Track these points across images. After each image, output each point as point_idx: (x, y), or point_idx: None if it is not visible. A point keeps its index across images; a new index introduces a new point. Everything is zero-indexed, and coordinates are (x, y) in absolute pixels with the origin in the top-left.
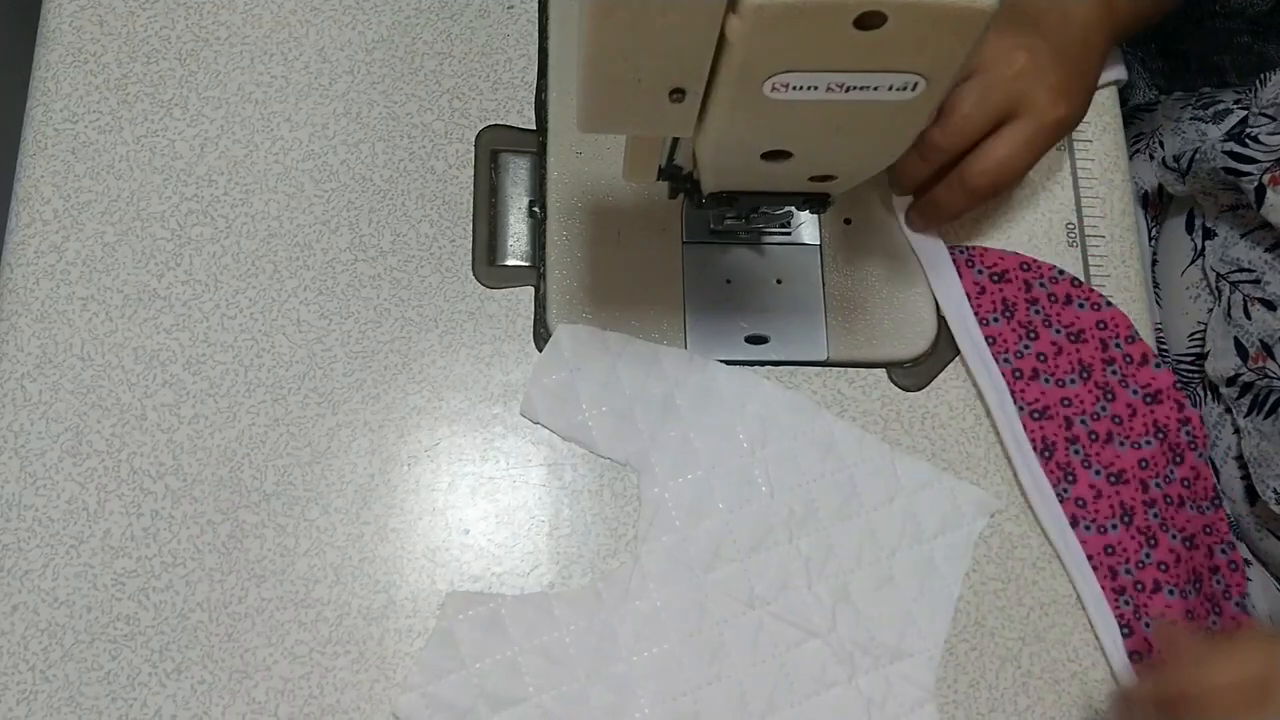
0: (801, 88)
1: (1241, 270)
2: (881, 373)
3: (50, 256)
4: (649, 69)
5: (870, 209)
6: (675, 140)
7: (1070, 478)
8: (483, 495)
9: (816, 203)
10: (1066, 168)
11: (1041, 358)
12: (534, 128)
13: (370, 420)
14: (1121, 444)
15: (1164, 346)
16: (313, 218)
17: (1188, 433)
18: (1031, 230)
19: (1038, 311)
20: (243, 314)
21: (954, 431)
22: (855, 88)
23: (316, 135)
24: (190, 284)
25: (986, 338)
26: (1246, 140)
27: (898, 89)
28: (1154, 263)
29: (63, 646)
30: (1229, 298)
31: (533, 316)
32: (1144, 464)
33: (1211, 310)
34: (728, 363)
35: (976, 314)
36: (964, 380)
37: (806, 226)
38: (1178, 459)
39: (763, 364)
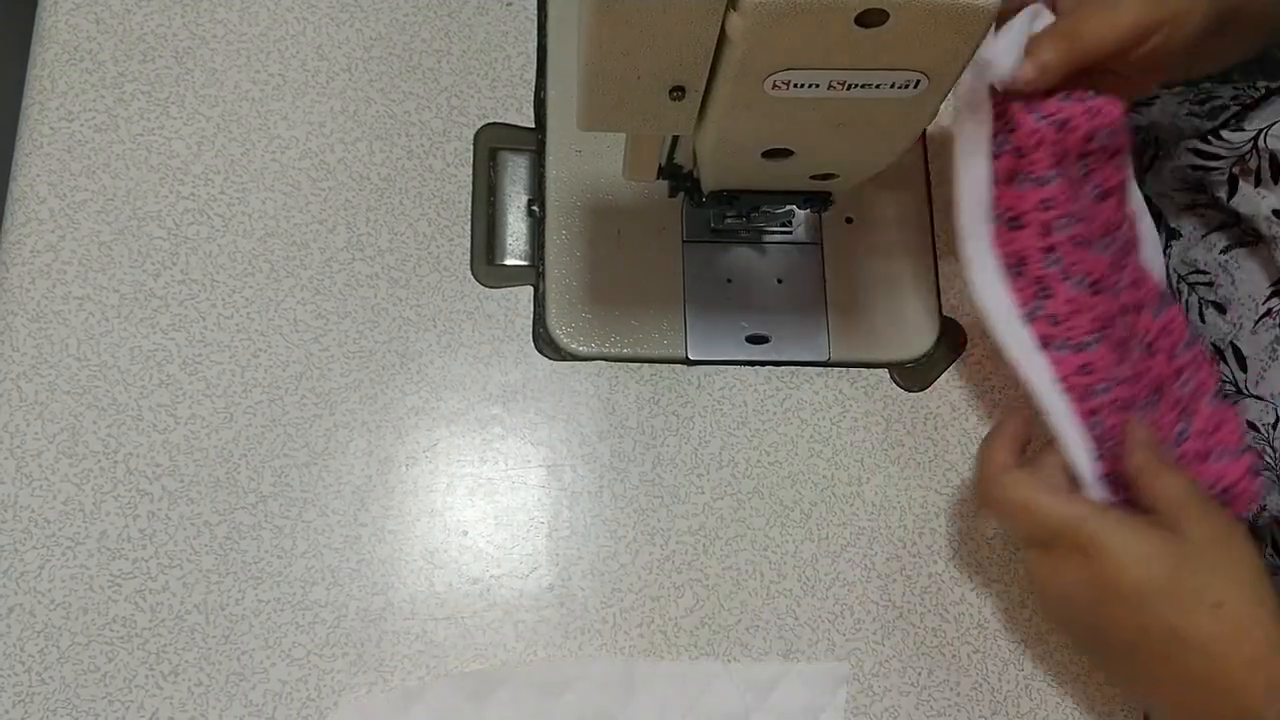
0: (802, 85)
1: (1197, 272)
2: (883, 373)
3: (46, 256)
4: (649, 67)
5: (872, 207)
6: (675, 139)
7: (1045, 293)
8: (481, 496)
9: (818, 201)
10: None
11: (1020, 153)
12: (533, 126)
13: (368, 421)
14: (1097, 247)
15: None
16: (310, 217)
17: (1127, 232)
18: None
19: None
20: (239, 314)
21: (956, 432)
22: (857, 86)
23: (314, 133)
24: (187, 283)
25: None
26: (1210, 138)
27: (900, 87)
28: None
29: (59, 648)
30: (1186, 300)
31: (532, 316)
32: (1113, 268)
33: None
34: (728, 363)
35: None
36: (967, 380)
37: (807, 225)
38: (1123, 262)
39: (763, 364)
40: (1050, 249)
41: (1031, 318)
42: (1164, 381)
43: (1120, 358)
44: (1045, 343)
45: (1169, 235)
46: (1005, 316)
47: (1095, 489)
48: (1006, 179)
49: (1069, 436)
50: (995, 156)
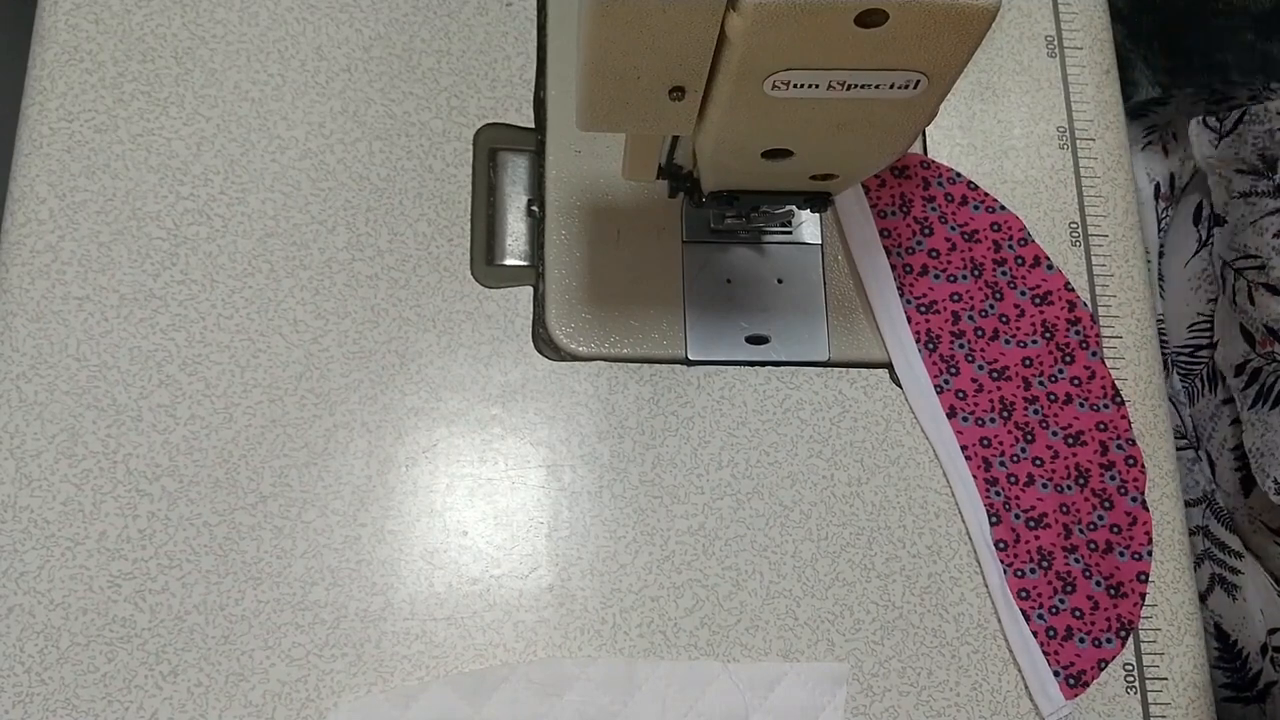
0: (802, 86)
1: (1248, 256)
2: (883, 373)
3: (45, 256)
4: (649, 67)
5: None
6: (675, 139)
7: (952, 370)
8: (481, 497)
9: (818, 201)
10: (1069, 166)
11: (934, 254)
12: (533, 126)
13: (368, 421)
14: (1007, 342)
15: (1165, 338)
16: (309, 217)
17: (1078, 332)
18: (1034, 229)
19: (934, 209)
20: (239, 314)
21: None
22: (856, 86)
23: (313, 134)
24: (186, 284)
25: (881, 230)
26: None
27: (899, 87)
28: (1160, 255)
29: (58, 649)
30: (1234, 285)
31: (531, 317)
32: (1028, 362)
33: (1213, 300)
34: (728, 363)
35: (874, 206)
36: None
37: (808, 225)
38: (1067, 358)
39: (763, 364)
40: (959, 334)
41: (940, 390)
42: (1089, 470)
43: (1024, 439)
44: (951, 413)
45: (1214, 222)
46: (920, 384)
47: (987, 552)
48: (920, 271)
49: (966, 500)
50: (911, 252)
